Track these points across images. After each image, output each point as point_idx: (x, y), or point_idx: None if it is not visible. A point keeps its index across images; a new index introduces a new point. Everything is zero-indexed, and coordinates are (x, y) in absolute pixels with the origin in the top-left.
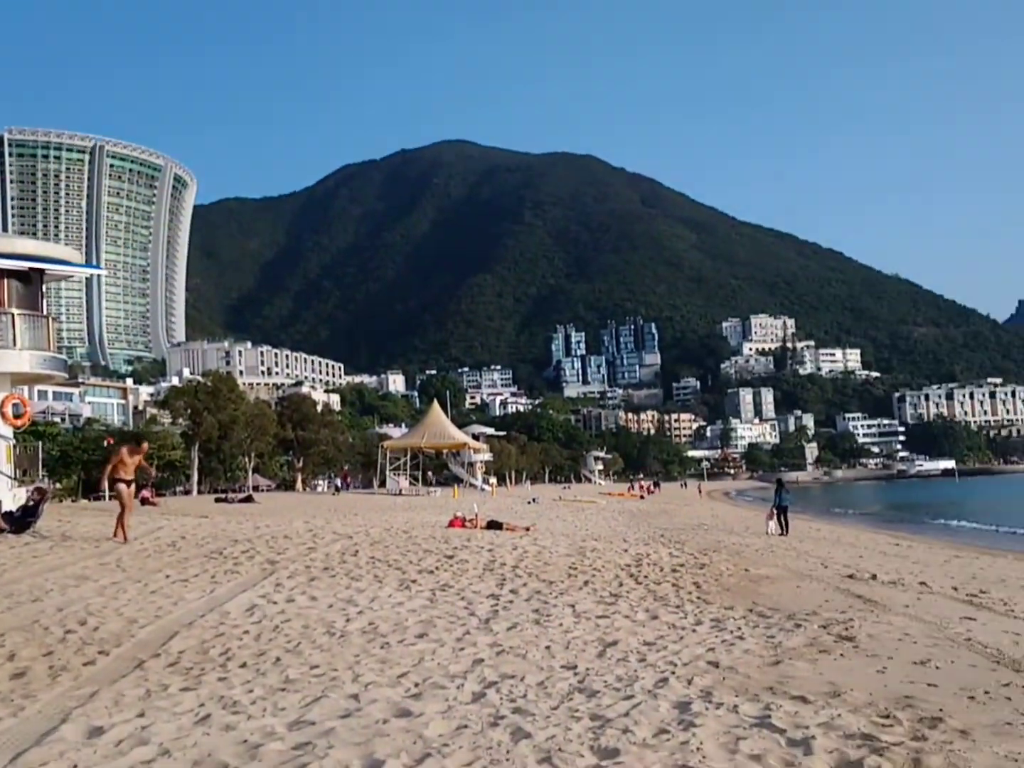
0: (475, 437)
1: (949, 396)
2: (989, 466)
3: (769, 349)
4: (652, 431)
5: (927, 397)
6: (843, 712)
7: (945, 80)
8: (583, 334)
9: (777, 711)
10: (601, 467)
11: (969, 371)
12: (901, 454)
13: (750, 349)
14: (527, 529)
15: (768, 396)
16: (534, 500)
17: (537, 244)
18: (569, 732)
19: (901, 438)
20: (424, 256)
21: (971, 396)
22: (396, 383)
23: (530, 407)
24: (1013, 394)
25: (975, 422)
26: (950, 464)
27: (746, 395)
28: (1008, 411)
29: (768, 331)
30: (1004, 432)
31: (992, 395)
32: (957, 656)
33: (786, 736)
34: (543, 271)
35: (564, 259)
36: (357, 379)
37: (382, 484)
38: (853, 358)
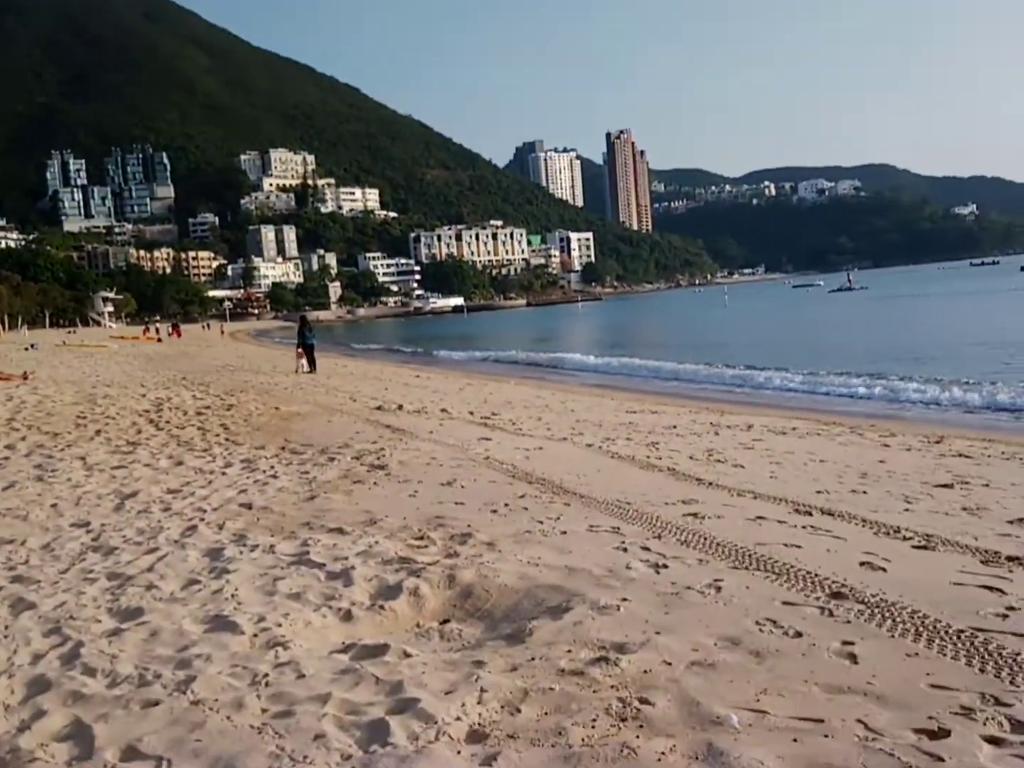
0: None
1: (458, 237)
2: (492, 302)
3: (290, 185)
4: (168, 270)
5: (439, 238)
6: (380, 539)
7: None
8: (83, 162)
9: (315, 546)
10: (111, 309)
11: (475, 213)
12: (417, 292)
13: (271, 185)
14: (24, 377)
15: (291, 234)
16: (33, 346)
17: (22, 55)
18: (83, 596)
19: (417, 277)
20: None
21: (476, 237)
22: None
23: (23, 243)
24: (511, 236)
25: (480, 261)
26: (459, 301)
27: (268, 232)
28: (507, 251)
29: (288, 167)
30: (504, 271)
31: (494, 236)
32: (479, 474)
33: (325, 570)
34: (31, 88)
35: (57, 75)
36: None
37: None
38: (372, 198)
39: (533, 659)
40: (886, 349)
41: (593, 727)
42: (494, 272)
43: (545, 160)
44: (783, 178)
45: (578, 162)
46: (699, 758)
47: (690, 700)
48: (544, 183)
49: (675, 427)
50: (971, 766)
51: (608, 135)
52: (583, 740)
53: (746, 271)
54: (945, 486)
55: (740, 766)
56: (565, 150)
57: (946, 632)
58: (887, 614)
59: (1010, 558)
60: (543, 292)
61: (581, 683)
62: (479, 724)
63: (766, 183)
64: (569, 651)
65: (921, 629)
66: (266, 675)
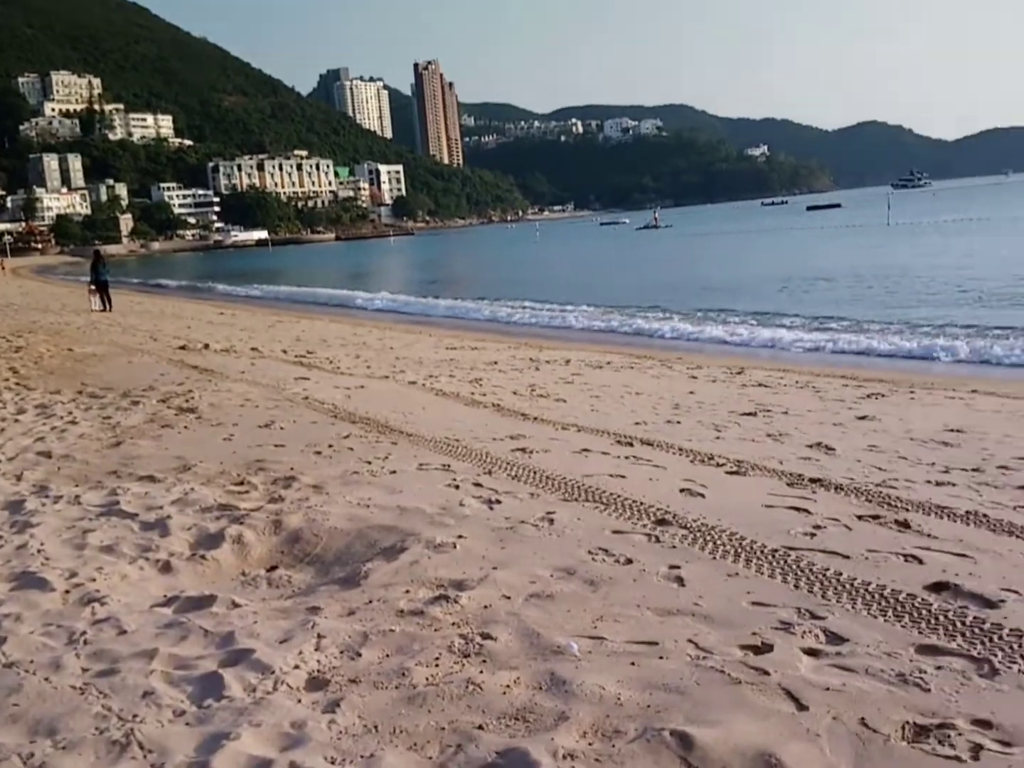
0: None
1: (260, 167)
2: (299, 236)
3: (74, 111)
4: None
5: (240, 168)
6: (196, 486)
7: None
8: None
9: (125, 495)
10: None
11: (278, 143)
12: (217, 225)
13: (53, 110)
14: None
15: (76, 163)
16: None
17: None
18: None
19: (217, 209)
20: None
21: (280, 168)
22: None
23: None
24: (317, 167)
25: (285, 193)
26: (263, 235)
27: (51, 161)
28: (313, 183)
29: (72, 91)
30: (310, 203)
31: (299, 167)
32: (299, 415)
33: (139, 520)
34: None
35: None
36: None
37: None
38: (165, 125)
39: (371, 602)
40: (689, 284)
41: (436, 666)
42: (300, 205)
43: (351, 89)
44: (590, 115)
45: (385, 92)
46: (543, 688)
47: (531, 632)
48: (351, 113)
49: (496, 363)
50: (793, 678)
51: (416, 65)
52: (427, 680)
53: (556, 208)
54: (749, 414)
55: (582, 692)
56: (372, 79)
57: (762, 552)
58: (708, 538)
59: (812, 480)
60: (353, 226)
61: (421, 623)
62: (318, 671)
63: (574, 120)
64: (407, 592)
65: (739, 550)
66: (84, 633)
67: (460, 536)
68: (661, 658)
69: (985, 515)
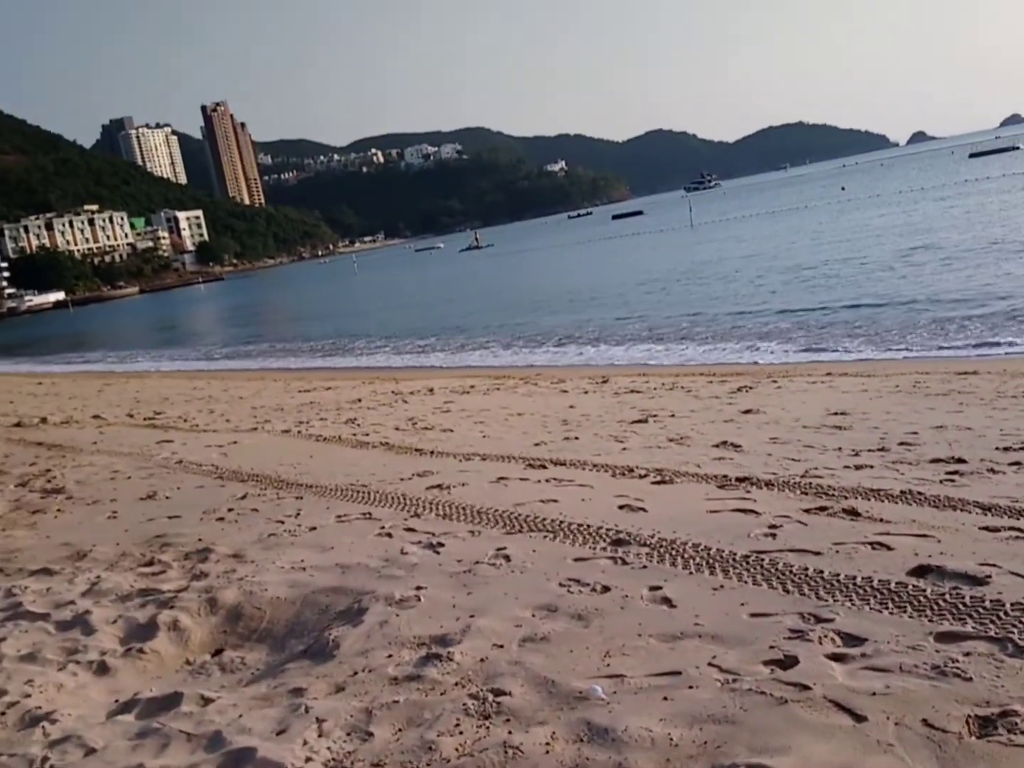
0: None
1: (49, 226)
2: (100, 293)
3: None
4: None
5: (27, 229)
6: (101, 573)
7: None
8: None
9: (24, 593)
10: None
11: (65, 200)
12: (9, 291)
13: None
14: None
15: None
16: None
17: None
18: None
19: (7, 274)
20: None
21: (71, 225)
22: None
23: None
24: (111, 220)
25: (79, 250)
26: (60, 296)
27: None
28: (109, 237)
29: None
30: (108, 258)
31: (91, 222)
32: (180, 481)
33: (52, 620)
34: None
35: None
36: None
37: None
38: None
39: (355, 673)
40: (523, 300)
41: (460, 733)
42: (97, 261)
43: (138, 138)
44: (389, 145)
45: (175, 138)
46: (585, 740)
47: (544, 680)
48: (140, 162)
49: (360, 400)
50: (834, 688)
51: (204, 108)
52: (458, 751)
53: (366, 239)
54: (640, 422)
55: (630, 738)
56: (159, 125)
57: (734, 560)
58: (674, 552)
59: (739, 479)
60: (156, 277)
61: (422, 688)
62: (334, 760)
63: (373, 151)
64: (390, 656)
65: (712, 561)
66: (47, 759)
67: (419, 587)
68: (691, 688)
69: (920, 492)
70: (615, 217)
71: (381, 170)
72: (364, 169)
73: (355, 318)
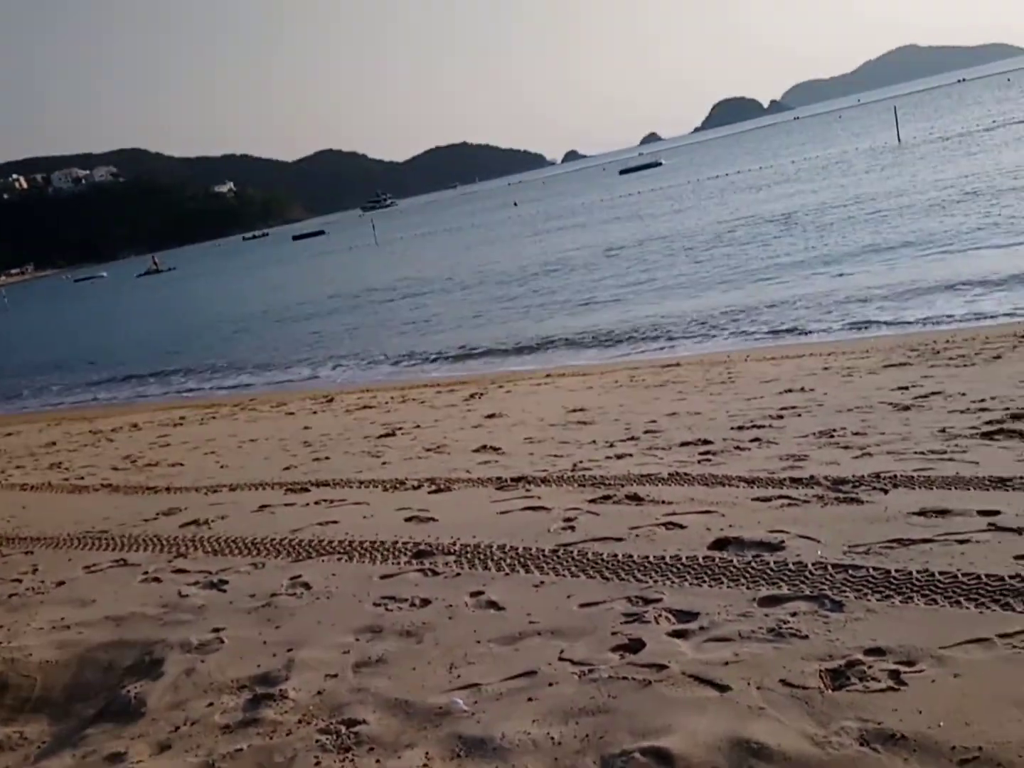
0: None
1: None
2: None
3: None
4: None
5: None
6: None
7: None
8: None
9: None
10: None
11: None
12: None
13: None
14: None
15: None
16: None
17: None
18: None
19: None
20: None
21: None
22: None
23: None
24: None
25: None
26: None
27: None
28: None
29: None
30: None
31: None
32: None
33: None
34: None
35: None
36: None
37: None
38: None
39: (177, 728)
40: (206, 325)
41: None
42: None
43: None
44: (32, 170)
45: None
46: (463, 754)
47: (396, 702)
48: None
49: (55, 443)
50: (689, 662)
51: None
52: None
53: (13, 271)
54: (388, 435)
55: (512, 745)
56: None
57: (543, 556)
58: (482, 557)
59: (515, 479)
60: None
61: (263, 731)
62: None
63: (15, 176)
64: (211, 704)
65: (524, 559)
66: None
67: (217, 629)
68: (552, 684)
69: (687, 473)
70: (296, 238)
71: (25, 196)
72: (5, 195)
73: (15, 355)
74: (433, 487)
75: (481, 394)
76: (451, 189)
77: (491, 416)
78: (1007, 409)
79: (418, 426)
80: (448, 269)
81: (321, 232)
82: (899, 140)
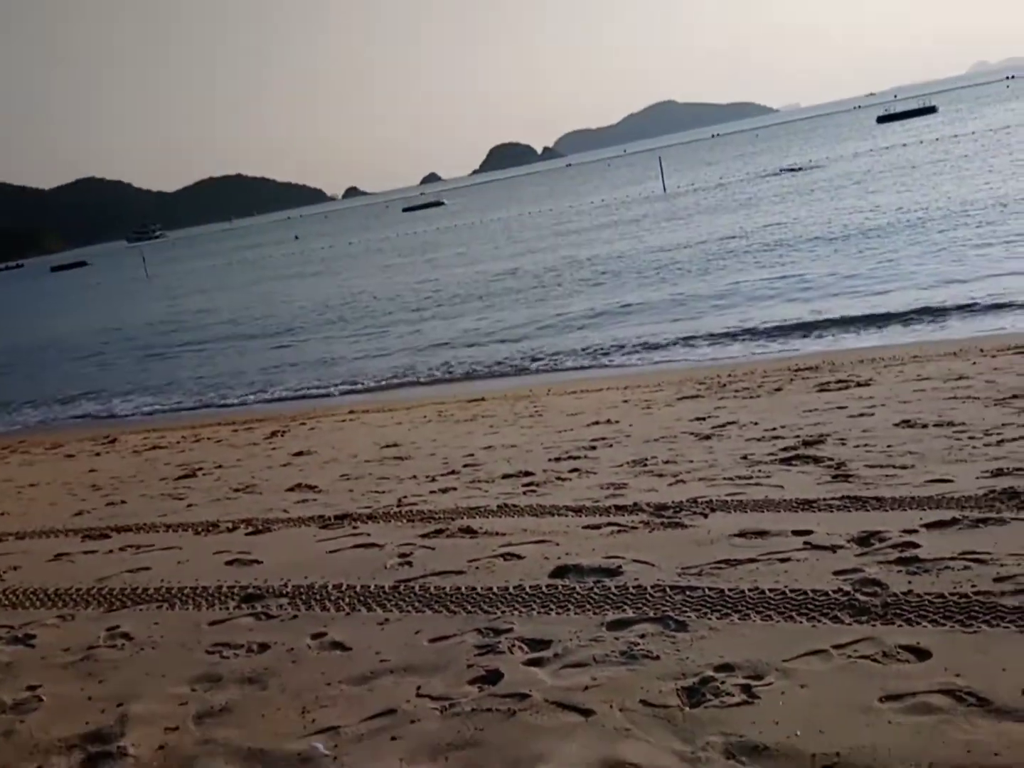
0: None
1: None
2: None
3: None
4: None
5: None
6: None
7: None
8: None
9: None
10: None
11: None
12: None
13: None
14: None
15: None
16: None
17: None
18: None
19: None
20: None
21: None
22: None
23: None
24: None
25: None
26: None
27: None
28: None
29: None
30: None
31: None
32: None
33: None
34: None
35: None
36: None
37: None
38: None
39: None
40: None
41: None
42: None
43: None
44: None
45: None
46: None
47: (250, 751)
48: None
49: None
50: (549, 690)
51: None
52: None
53: None
54: (189, 476)
55: None
56: None
57: (384, 593)
58: (317, 597)
59: (339, 516)
60: None
61: None
62: None
63: None
64: (39, 767)
65: (363, 598)
66: None
67: (32, 687)
68: (414, 722)
69: (515, 504)
70: (55, 269)
71: None
72: None
73: None
74: (250, 528)
75: (283, 431)
76: (226, 222)
77: (299, 454)
78: (798, 436)
79: (220, 466)
80: (237, 304)
81: (83, 263)
82: (664, 189)
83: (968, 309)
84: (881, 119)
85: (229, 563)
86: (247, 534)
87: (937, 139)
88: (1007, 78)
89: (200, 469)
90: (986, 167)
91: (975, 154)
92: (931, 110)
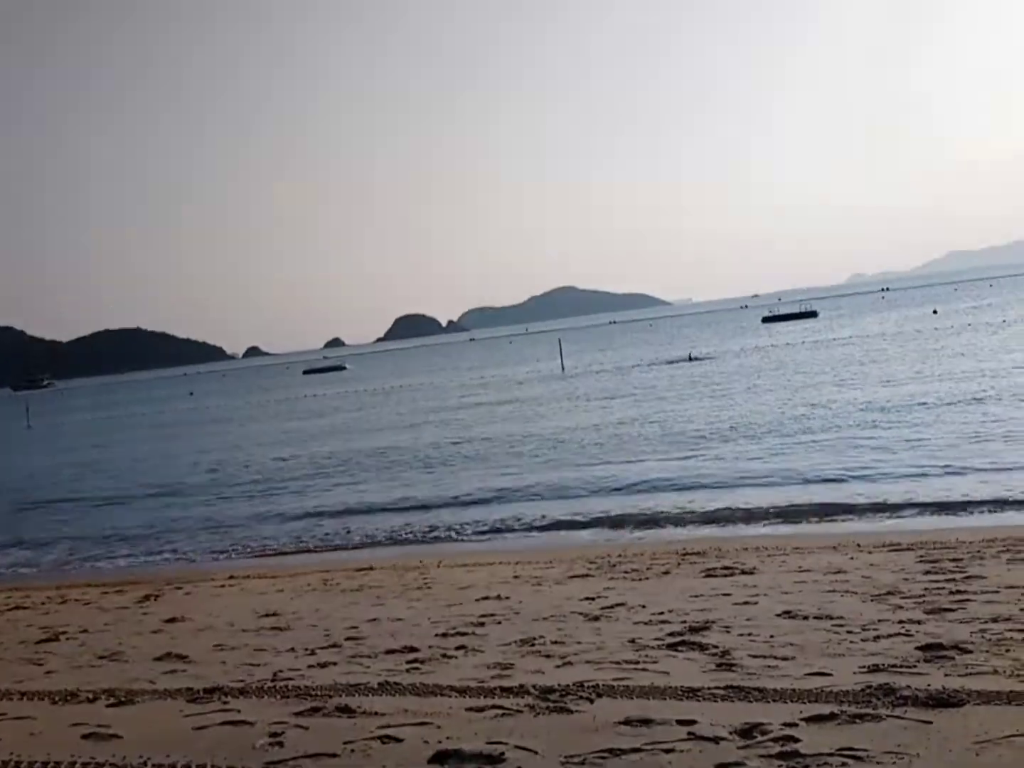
0: None
1: None
2: None
3: None
4: None
5: None
6: None
7: None
8: None
9: None
10: None
11: None
12: None
13: None
14: None
15: None
16: None
17: None
18: None
19: None
20: None
21: None
22: None
23: None
24: None
25: None
26: None
27: None
28: None
29: None
30: None
31: None
32: None
33: None
34: None
35: None
36: None
37: None
38: None
39: None
40: None
41: None
42: None
43: None
44: None
45: None
46: None
47: None
48: None
49: None
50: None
51: None
52: None
53: None
54: (50, 640)
55: None
56: None
57: None
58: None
59: (208, 690)
60: None
61: None
62: None
63: None
64: None
65: None
66: None
67: None
68: None
69: (397, 683)
70: None
71: None
72: None
73: None
74: (112, 700)
75: (157, 595)
76: (121, 374)
77: (172, 620)
78: (684, 622)
79: (85, 630)
80: (122, 459)
81: None
82: (563, 369)
83: (849, 507)
84: (766, 319)
85: (86, 736)
86: (108, 706)
87: (816, 342)
88: (882, 290)
89: (64, 633)
90: (862, 372)
91: (852, 357)
92: (812, 314)
